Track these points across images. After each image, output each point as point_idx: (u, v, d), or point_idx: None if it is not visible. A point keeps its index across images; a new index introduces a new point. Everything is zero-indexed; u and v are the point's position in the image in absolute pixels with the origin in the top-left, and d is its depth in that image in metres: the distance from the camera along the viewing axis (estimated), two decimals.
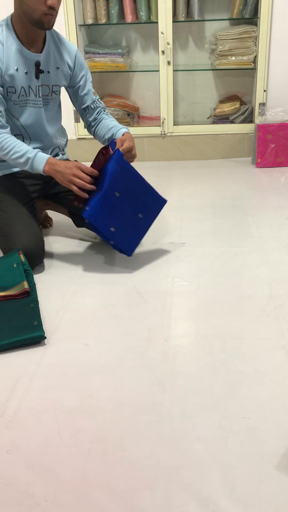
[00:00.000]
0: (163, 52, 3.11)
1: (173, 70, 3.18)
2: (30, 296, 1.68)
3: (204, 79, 3.48)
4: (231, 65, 3.22)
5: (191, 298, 1.73)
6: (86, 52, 3.28)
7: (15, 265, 1.79)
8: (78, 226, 2.17)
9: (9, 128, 1.88)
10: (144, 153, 3.38)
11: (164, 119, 3.29)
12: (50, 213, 2.39)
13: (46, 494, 1.03)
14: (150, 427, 1.18)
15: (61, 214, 2.30)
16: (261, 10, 3.00)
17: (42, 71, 1.92)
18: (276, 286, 1.77)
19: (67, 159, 2.19)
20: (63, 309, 1.69)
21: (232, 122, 3.34)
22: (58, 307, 1.70)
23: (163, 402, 1.26)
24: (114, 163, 1.82)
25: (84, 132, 3.32)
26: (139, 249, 2.08)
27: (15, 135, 1.95)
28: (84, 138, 3.31)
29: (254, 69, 3.21)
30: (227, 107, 3.35)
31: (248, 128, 3.29)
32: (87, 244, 2.15)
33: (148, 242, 2.14)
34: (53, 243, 2.19)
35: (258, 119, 3.21)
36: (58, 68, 1.97)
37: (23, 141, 1.96)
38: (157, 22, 3.07)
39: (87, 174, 1.80)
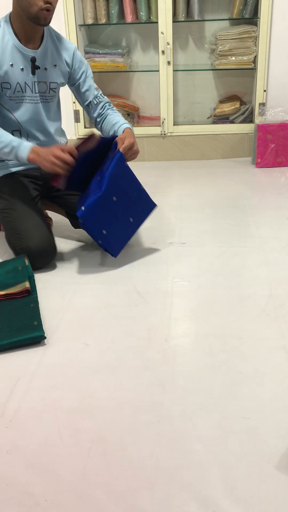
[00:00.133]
0: (163, 52, 3.11)
1: (173, 70, 3.19)
2: (30, 295, 1.69)
3: (204, 79, 3.48)
4: (231, 65, 3.22)
5: (191, 298, 1.73)
6: (86, 52, 3.28)
7: (20, 268, 1.81)
8: (75, 227, 2.17)
9: None
10: (144, 153, 3.38)
11: (164, 119, 3.29)
12: (50, 213, 2.39)
13: (46, 494, 1.03)
14: (150, 427, 1.18)
15: (59, 214, 2.30)
16: (261, 10, 3.00)
17: (38, 67, 1.92)
18: (276, 286, 1.77)
19: None
20: (63, 309, 1.69)
21: (232, 122, 3.34)
22: (58, 307, 1.70)
23: (163, 402, 1.26)
24: (114, 167, 1.82)
25: (85, 132, 3.32)
26: (139, 249, 2.08)
27: (13, 131, 1.95)
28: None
29: (254, 69, 3.21)
30: (227, 107, 3.35)
31: (248, 128, 3.29)
32: (87, 244, 2.15)
33: (148, 242, 2.14)
34: None
35: (258, 119, 3.21)
36: (55, 65, 1.98)
37: (20, 137, 1.97)
38: (157, 22, 3.07)
39: (70, 155, 1.79)
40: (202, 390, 1.29)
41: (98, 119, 2.11)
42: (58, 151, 1.78)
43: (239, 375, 1.34)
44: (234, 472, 1.06)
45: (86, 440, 1.15)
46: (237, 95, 3.48)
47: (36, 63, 1.91)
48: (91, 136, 1.83)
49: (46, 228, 1.96)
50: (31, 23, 1.82)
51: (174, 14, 3.13)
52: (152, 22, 3.18)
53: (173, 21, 3.07)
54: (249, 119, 3.33)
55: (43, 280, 1.86)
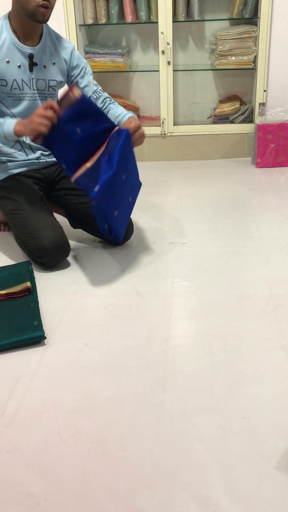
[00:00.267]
0: (163, 52, 3.11)
1: (173, 70, 3.18)
2: (31, 294, 1.69)
3: (204, 79, 3.48)
4: (231, 65, 3.22)
5: (191, 298, 1.73)
6: (86, 52, 3.28)
7: (23, 272, 1.82)
8: (74, 227, 2.18)
9: None
10: (144, 153, 3.38)
11: (164, 119, 3.29)
12: None
13: (46, 494, 1.03)
14: (150, 427, 1.18)
15: (59, 214, 2.30)
16: (261, 10, 3.00)
17: (35, 64, 1.93)
18: (276, 286, 1.77)
19: None
20: (63, 309, 1.69)
21: (232, 122, 3.34)
22: (58, 307, 1.70)
23: (163, 402, 1.26)
24: (123, 145, 1.77)
25: None
26: (139, 249, 2.08)
27: None
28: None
29: (254, 69, 3.21)
30: (227, 107, 3.35)
31: (248, 128, 3.29)
32: (86, 244, 2.15)
33: (148, 242, 2.14)
34: None
35: (258, 119, 3.21)
36: (54, 63, 1.99)
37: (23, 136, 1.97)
38: (157, 22, 3.07)
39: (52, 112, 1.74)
40: (202, 390, 1.29)
41: None
42: (39, 110, 1.74)
43: (239, 375, 1.34)
44: (234, 472, 1.06)
45: (86, 440, 1.15)
46: (237, 95, 3.48)
47: (34, 60, 1.92)
48: (71, 87, 1.77)
49: (58, 225, 1.97)
50: (30, 20, 1.84)
51: (174, 14, 3.12)
52: (152, 22, 3.18)
53: (173, 21, 3.07)
54: (249, 119, 3.33)
55: (43, 280, 1.86)
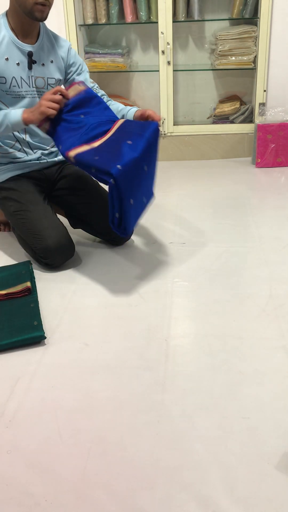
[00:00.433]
0: (163, 52, 3.11)
1: (173, 70, 3.18)
2: (31, 294, 1.69)
3: (204, 79, 3.48)
4: (231, 65, 3.22)
5: (191, 298, 1.73)
6: (86, 52, 3.28)
7: (23, 272, 1.83)
8: (74, 228, 2.18)
9: None
10: None
11: (164, 119, 3.29)
12: None
13: (46, 494, 1.03)
14: (150, 427, 1.18)
15: (58, 215, 2.30)
16: (261, 10, 3.00)
17: (34, 61, 1.93)
18: (276, 286, 1.77)
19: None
20: (63, 309, 1.69)
21: (232, 122, 3.34)
22: (58, 307, 1.70)
23: (163, 402, 1.26)
24: (150, 136, 1.73)
25: None
26: (139, 249, 2.08)
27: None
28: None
29: (254, 69, 3.21)
30: (227, 107, 3.35)
31: (248, 128, 3.29)
32: (86, 244, 2.15)
33: (148, 242, 2.14)
34: None
35: (258, 119, 3.21)
36: (52, 61, 2.00)
37: (20, 134, 2.00)
38: (157, 22, 3.07)
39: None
40: (202, 390, 1.29)
41: None
42: (47, 94, 1.76)
43: (239, 375, 1.34)
44: (234, 472, 1.06)
45: (86, 440, 1.15)
46: (237, 95, 3.48)
47: (33, 58, 1.93)
48: (77, 82, 1.86)
49: (61, 225, 1.97)
50: (28, 19, 1.85)
51: (174, 14, 3.12)
52: (152, 22, 3.18)
53: (173, 21, 3.07)
54: (249, 119, 3.33)
55: (43, 280, 1.86)
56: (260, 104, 3.22)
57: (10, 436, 1.18)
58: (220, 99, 3.52)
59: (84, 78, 2.09)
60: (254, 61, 3.18)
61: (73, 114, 1.80)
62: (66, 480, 1.06)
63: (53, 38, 2.01)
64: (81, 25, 3.22)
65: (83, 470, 1.08)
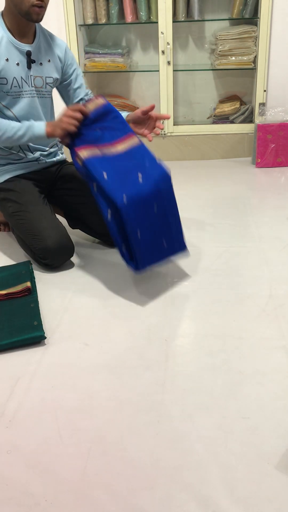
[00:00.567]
0: (163, 52, 3.11)
1: (173, 70, 3.19)
2: (31, 294, 1.69)
3: (204, 79, 3.48)
4: (231, 65, 3.23)
5: (191, 298, 1.73)
6: (86, 52, 3.28)
7: (23, 272, 1.83)
8: (73, 228, 2.18)
9: None
10: None
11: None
12: None
13: (46, 494, 1.03)
14: (150, 427, 1.18)
15: (57, 215, 2.30)
16: (261, 10, 3.00)
17: (33, 61, 1.94)
18: (276, 286, 1.77)
19: (64, 160, 2.21)
20: (63, 309, 1.69)
21: (232, 122, 3.35)
22: (58, 307, 1.70)
23: (163, 402, 1.26)
24: (160, 181, 1.73)
25: None
26: None
27: None
28: None
29: (254, 69, 3.21)
30: (227, 107, 3.35)
31: (248, 128, 3.29)
32: (86, 244, 2.15)
33: None
34: None
35: (258, 119, 3.21)
36: (49, 60, 2.01)
37: None
38: (157, 22, 3.07)
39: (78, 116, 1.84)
40: (202, 390, 1.29)
41: None
42: (69, 111, 1.83)
43: (239, 375, 1.34)
44: (234, 472, 1.06)
45: (86, 440, 1.15)
46: (237, 95, 3.48)
47: (31, 57, 1.93)
48: (97, 96, 1.91)
49: (61, 226, 1.97)
50: (24, 19, 1.85)
51: (174, 14, 3.13)
52: (152, 22, 3.18)
53: (173, 21, 3.07)
54: (249, 119, 3.33)
55: (43, 280, 1.86)
56: (260, 104, 3.22)
57: (10, 436, 1.18)
58: (220, 99, 3.52)
59: (80, 83, 2.12)
60: (254, 61, 3.18)
61: (91, 128, 1.86)
62: (66, 480, 1.06)
63: (49, 37, 2.02)
64: (81, 25, 3.22)
65: (83, 470, 1.08)
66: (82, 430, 1.18)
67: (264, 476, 1.04)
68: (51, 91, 2.07)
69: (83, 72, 3.29)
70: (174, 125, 3.32)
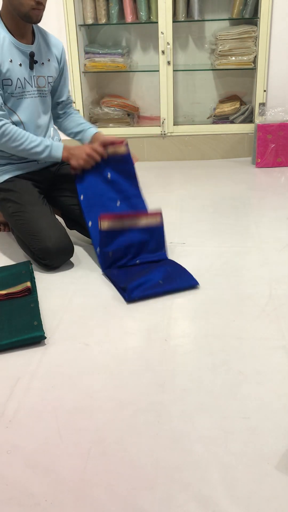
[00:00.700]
0: (163, 52, 3.11)
1: (173, 70, 3.19)
2: (31, 294, 1.69)
3: (204, 79, 3.48)
4: (231, 65, 3.23)
5: (191, 298, 1.73)
6: (86, 52, 3.28)
7: (23, 272, 1.83)
8: (70, 229, 2.18)
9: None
10: (144, 153, 3.38)
11: (164, 119, 3.29)
12: None
13: (46, 494, 1.03)
14: (150, 427, 1.18)
15: (56, 215, 2.30)
16: (261, 10, 3.00)
17: (36, 62, 1.96)
18: (276, 286, 1.77)
19: None
20: (63, 309, 1.69)
21: (232, 122, 3.35)
22: (58, 307, 1.70)
23: (163, 402, 1.26)
24: (181, 285, 1.78)
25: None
26: None
27: None
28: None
29: (254, 69, 3.21)
30: (227, 107, 3.35)
31: (248, 128, 3.29)
32: (86, 244, 2.15)
33: None
34: None
35: (258, 119, 3.21)
36: (49, 60, 2.03)
37: None
38: (157, 22, 3.07)
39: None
40: (202, 390, 1.29)
41: (61, 116, 2.22)
42: (91, 150, 1.96)
43: (239, 375, 1.34)
44: (234, 472, 1.06)
45: (86, 440, 1.15)
46: (237, 95, 3.48)
47: (34, 58, 1.95)
48: (121, 141, 2.02)
49: (60, 226, 1.97)
50: (22, 21, 1.87)
51: (174, 14, 3.13)
52: (152, 22, 3.18)
53: (173, 21, 3.07)
54: (249, 119, 3.33)
55: (43, 280, 1.86)
56: (260, 104, 3.22)
57: (10, 436, 1.18)
58: (220, 99, 3.52)
59: (67, 84, 2.18)
60: (254, 61, 3.18)
61: (103, 168, 2.00)
62: (66, 480, 1.06)
63: (46, 37, 2.04)
64: (81, 25, 3.22)
65: (83, 470, 1.08)
66: (82, 430, 1.18)
67: (264, 476, 1.04)
68: (50, 89, 2.09)
69: (83, 72, 3.29)
70: (174, 125, 3.32)
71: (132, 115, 3.46)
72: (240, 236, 2.20)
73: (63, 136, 2.22)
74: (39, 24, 1.98)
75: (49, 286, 1.83)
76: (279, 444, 1.12)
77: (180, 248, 2.08)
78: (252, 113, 3.33)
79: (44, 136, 2.08)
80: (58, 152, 1.96)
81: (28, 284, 1.71)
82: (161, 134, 3.33)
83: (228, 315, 1.62)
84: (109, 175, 2.01)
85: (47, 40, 2.03)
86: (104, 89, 3.58)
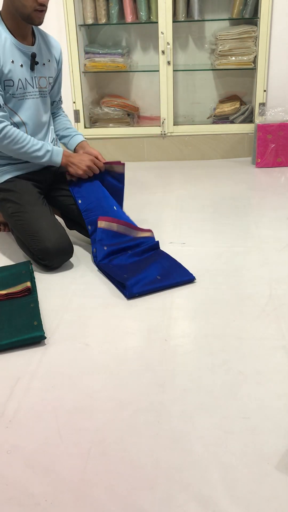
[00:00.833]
0: (163, 52, 3.11)
1: (173, 70, 3.19)
2: (31, 294, 1.69)
3: (204, 79, 3.48)
4: (231, 65, 3.22)
5: (191, 298, 1.73)
6: (86, 52, 3.28)
7: (23, 272, 1.83)
8: (70, 229, 2.18)
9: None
10: (144, 153, 3.38)
11: (164, 119, 3.29)
12: None
13: (46, 494, 1.03)
14: (150, 427, 1.18)
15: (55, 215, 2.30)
16: (261, 10, 3.00)
17: (37, 63, 1.97)
18: (276, 286, 1.77)
19: None
20: (63, 309, 1.69)
21: (232, 122, 3.35)
22: (58, 307, 1.70)
23: (163, 402, 1.26)
24: (179, 282, 1.80)
25: (85, 132, 3.32)
26: None
27: None
28: (85, 138, 3.31)
29: (254, 69, 3.21)
30: (227, 107, 3.35)
31: (248, 128, 3.29)
32: (86, 244, 2.15)
33: None
34: None
35: (258, 119, 3.21)
36: (49, 60, 2.04)
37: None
38: (157, 22, 3.07)
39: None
40: (202, 390, 1.29)
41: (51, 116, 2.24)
42: (91, 163, 2.01)
43: (239, 375, 1.34)
44: (234, 472, 1.06)
45: (86, 440, 1.15)
46: (237, 95, 3.48)
47: (36, 59, 1.96)
48: (120, 162, 2.12)
49: (60, 226, 1.97)
50: (24, 22, 1.87)
51: (174, 14, 3.13)
52: (152, 22, 3.18)
53: (173, 21, 3.07)
54: (249, 119, 3.33)
55: (43, 280, 1.86)
56: (260, 104, 3.22)
57: (10, 436, 1.18)
58: (220, 99, 3.52)
59: (60, 85, 2.19)
60: (254, 61, 3.18)
61: (98, 179, 2.07)
62: (66, 480, 1.06)
63: (45, 37, 2.05)
64: (81, 25, 3.22)
65: (83, 470, 1.08)
66: (82, 430, 1.18)
67: (264, 476, 1.04)
68: (50, 89, 2.09)
69: (83, 72, 3.30)
70: (174, 125, 3.32)
71: (132, 115, 3.46)
72: (240, 236, 2.20)
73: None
74: None
75: (49, 286, 1.83)
76: (279, 444, 1.12)
77: (180, 248, 2.08)
78: (252, 113, 3.33)
79: (45, 136, 2.08)
80: (57, 158, 1.99)
81: (28, 284, 1.71)
82: (161, 134, 3.33)
83: (228, 315, 1.62)
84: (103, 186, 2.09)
85: (47, 41, 2.03)
86: (104, 89, 3.58)
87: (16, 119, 1.95)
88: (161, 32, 3.07)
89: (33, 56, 1.93)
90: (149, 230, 2.09)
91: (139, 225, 2.11)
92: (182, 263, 1.91)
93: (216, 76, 3.47)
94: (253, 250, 2.06)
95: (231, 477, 1.05)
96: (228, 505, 0.98)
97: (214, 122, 3.39)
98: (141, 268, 1.83)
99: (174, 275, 1.81)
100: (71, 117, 3.27)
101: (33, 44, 1.95)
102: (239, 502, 0.99)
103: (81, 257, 2.05)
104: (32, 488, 1.04)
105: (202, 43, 3.40)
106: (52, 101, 2.19)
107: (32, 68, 1.94)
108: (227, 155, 3.37)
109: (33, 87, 1.97)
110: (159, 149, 3.37)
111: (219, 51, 3.17)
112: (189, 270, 1.86)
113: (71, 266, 1.97)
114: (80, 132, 2.24)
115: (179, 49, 3.40)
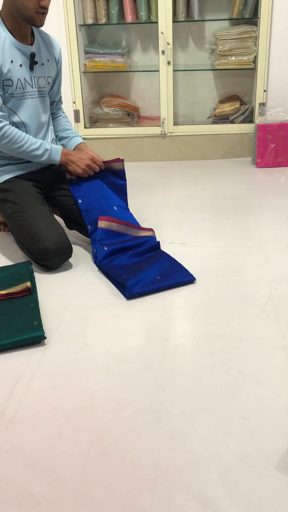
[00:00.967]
0: (163, 52, 3.11)
1: (173, 70, 3.19)
2: (31, 294, 1.69)
3: (204, 79, 3.48)
4: (231, 65, 3.22)
5: (191, 298, 1.73)
6: (86, 52, 3.28)
7: (23, 272, 1.82)
8: (70, 229, 2.18)
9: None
10: (144, 153, 3.38)
11: (164, 119, 3.29)
12: None
13: (46, 494, 1.03)
14: (150, 427, 1.18)
15: (55, 215, 2.30)
16: (261, 10, 3.00)
17: (36, 62, 1.97)
18: (276, 286, 1.77)
19: None
20: (63, 309, 1.69)
21: (232, 122, 3.35)
22: (58, 307, 1.70)
23: (163, 402, 1.26)
24: (180, 282, 1.80)
25: (85, 132, 3.32)
26: None
27: None
28: (85, 138, 3.31)
29: (254, 69, 3.21)
30: (227, 107, 3.35)
31: (248, 128, 3.29)
32: (86, 244, 2.15)
33: None
34: None
35: (258, 119, 3.21)
36: (48, 60, 2.05)
37: None
38: (157, 22, 3.07)
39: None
40: (202, 390, 1.29)
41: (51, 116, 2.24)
42: (91, 162, 2.01)
43: (239, 375, 1.34)
44: (234, 472, 1.06)
45: (86, 440, 1.15)
46: (237, 95, 3.48)
47: (35, 59, 1.96)
48: (119, 159, 2.11)
49: (59, 226, 1.97)
50: (24, 22, 1.88)
51: (174, 14, 3.13)
52: (152, 22, 3.18)
53: (173, 21, 3.07)
54: (249, 119, 3.33)
55: (43, 280, 1.86)
56: (260, 104, 3.22)
57: (10, 436, 1.18)
58: (220, 99, 3.52)
59: (60, 85, 2.19)
60: (254, 61, 3.18)
61: (98, 178, 2.07)
62: (66, 480, 1.06)
63: (45, 37, 2.05)
64: (81, 25, 3.22)
65: (83, 470, 1.08)
66: (82, 430, 1.18)
67: (264, 476, 1.04)
68: (49, 89, 2.09)
69: (83, 72, 3.29)
70: (174, 125, 3.32)
71: (132, 115, 3.46)
72: (240, 236, 2.20)
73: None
74: None
75: (49, 286, 1.83)
76: (279, 444, 1.12)
77: (180, 248, 2.08)
78: (252, 113, 3.33)
79: (45, 136, 2.08)
80: (56, 156, 1.99)
81: (28, 284, 1.71)
82: (161, 134, 3.33)
83: (228, 315, 1.62)
84: (104, 185, 2.08)
85: (46, 41, 2.04)
86: (104, 89, 3.58)
87: (16, 119, 1.95)
88: (161, 32, 3.07)
89: (32, 56, 1.94)
90: (150, 229, 2.09)
91: (140, 225, 2.11)
92: (182, 263, 1.91)
93: (216, 76, 3.47)
94: (253, 250, 2.06)
95: (231, 477, 1.05)
96: (228, 505, 0.98)
97: (214, 122, 3.39)
98: (141, 268, 1.83)
99: (174, 276, 1.81)
100: (71, 117, 3.27)
101: (32, 44, 1.95)
102: (239, 502, 0.99)
103: (81, 257, 2.05)
104: (32, 488, 1.04)
105: (202, 43, 3.40)
106: (52, 101, 2.18)
107: (31, 68, 1.95)
108: (227, 155, 3.37)
109: (32, 87, 1.97)
110: (159, 149, 3.37)
111: (219, 51, 3.17)
112: (189, 270, 1.86)
113: (71, 266, 1.97)
114: (79, 134, 2.24)
115: (179, 49, 3.40)
